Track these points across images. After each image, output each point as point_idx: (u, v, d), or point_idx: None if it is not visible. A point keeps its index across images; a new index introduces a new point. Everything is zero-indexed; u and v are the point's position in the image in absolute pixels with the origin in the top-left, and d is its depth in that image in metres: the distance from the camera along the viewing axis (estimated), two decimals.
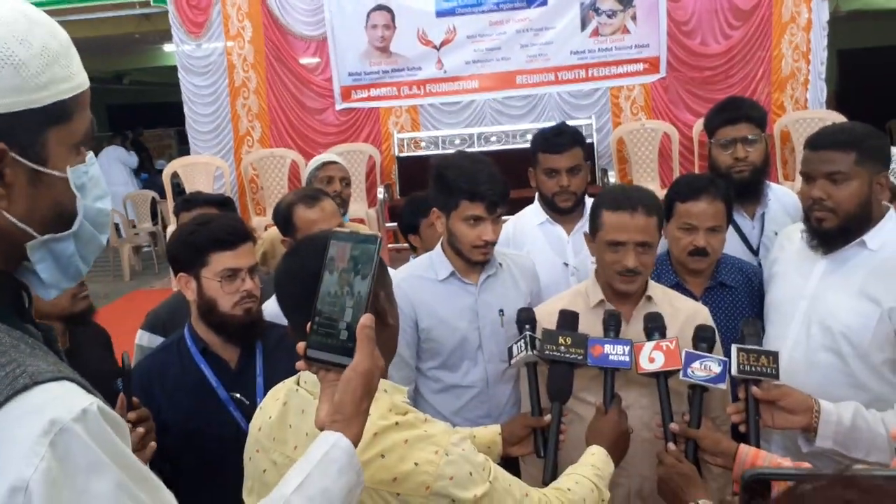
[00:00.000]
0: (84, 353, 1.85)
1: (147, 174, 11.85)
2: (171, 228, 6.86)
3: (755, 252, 2.39)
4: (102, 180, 0.90)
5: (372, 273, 0.97)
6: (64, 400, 0.73)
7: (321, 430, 0.95)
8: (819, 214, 1.83)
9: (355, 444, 0.94)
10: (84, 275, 0.91)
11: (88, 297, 1.89)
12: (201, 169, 7.03)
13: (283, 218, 2.33)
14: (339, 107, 6.94)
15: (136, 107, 15.74)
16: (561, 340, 1.64)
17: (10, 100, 0.77)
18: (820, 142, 1.85)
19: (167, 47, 9.62)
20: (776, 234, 2.36)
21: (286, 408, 1.22)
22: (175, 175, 7.17)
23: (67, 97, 0.83)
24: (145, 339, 2.20)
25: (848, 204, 1.79)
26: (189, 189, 6.94)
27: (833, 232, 1.83)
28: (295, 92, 6.95)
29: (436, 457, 1.11)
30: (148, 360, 1.85)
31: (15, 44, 0.78)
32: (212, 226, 1.76)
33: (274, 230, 2.72)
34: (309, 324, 0.98)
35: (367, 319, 0.95)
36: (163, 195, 8.05)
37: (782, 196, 2.49)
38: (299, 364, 1.00)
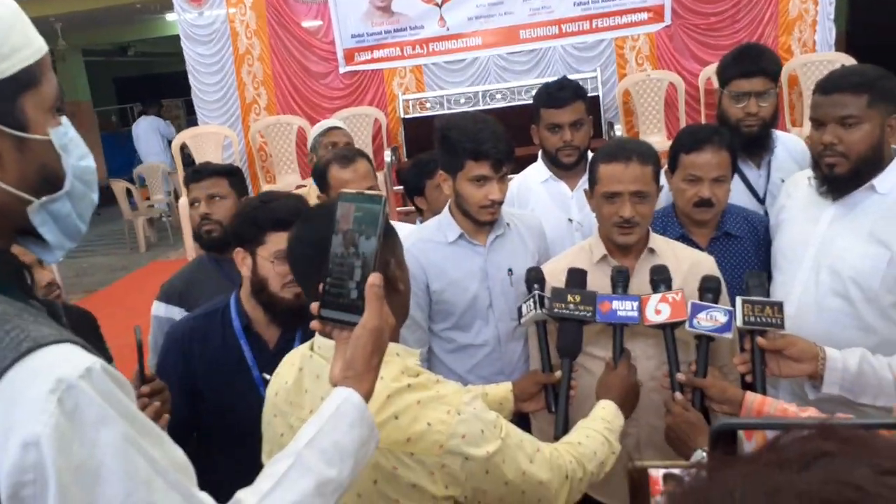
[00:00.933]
0: None
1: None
2: (183, 200, 6.92)
3: (762, 200, 2.38)
4: (81, 141, 0.93)
5: (378, 233, 0.99)
6: (68, 360, 0.77)
7: (334, 386, 0.99)
8: (830, 160, 1.81)
9: (367, 399, 0.98)
10: (82, 233, 0.94)
11: (60, 296, 1.88)
12: (210, 139, 7.03)
13: (320, 175, 2.39)
14: (342, 70, 6.88)
15: (143, 78, 15.66)
16: (570, 298, 1.66)
17: None
18: (831, 85, 1.82)
19: (169, 17, 9.54)
20: (783, 181, 2.35)
21: (301, 373, 1.25)
22: (184, 146, 7.19)
23: (32, 62, 0.85)
24: (162, 310, 2.23)
25: (860, 148, 1.77)
26: (199, 160, 6.95)
27: (845, 177, 1.81)
28: (299, 57, 6.89)
29: (448, 416, 1.14)
30: (191, 323, 1.87)
31: None
32: (273, 205, 1.75)
33: (305, 190, 2.75)
34: (321, 284, 1.01)
35: (374, 278, 0.98)
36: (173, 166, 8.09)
37: (788, 143, 2.47)
38: (314, 324, 1.03)
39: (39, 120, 0.86)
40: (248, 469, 1.23)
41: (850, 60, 5.84)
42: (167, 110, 13.39)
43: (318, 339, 1.25)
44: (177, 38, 7.20)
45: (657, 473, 0.89)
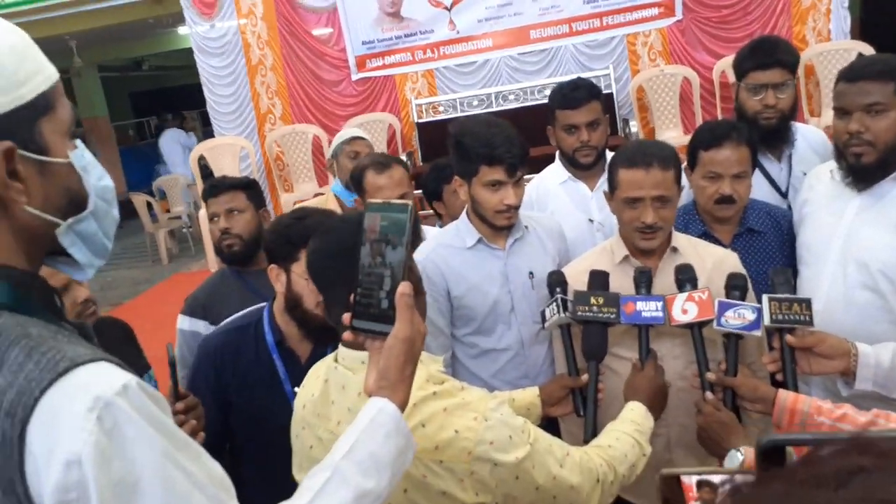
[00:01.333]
0: (108, 351, 1.89)
1: None
2: (202, 212, 6.97)
3: (784, 195, 2.35)
4: (97, 162, 0.94)
5: (405, 241, 0.99)
6: (105, 377, 0.78)
7: (369, 396, 0.99)
8: (857, 149, 1.79)
9: (402, 408, 0.98)
10: (109, 250, 0.96)
11: (96, 312, 1.88)
12: (226, 150, 7.09)
13: (356, 181, 2.41)
14: (355, 77, 6.90)
15: (158, 92, 15.82)
16: (593, 301, 1.65)
17: (1, 100, 0.81)
18: (856, 73, 1.80)
19: (181, 30, 9.63)
20: (804, 174, 2.32)
21: (327, 385, 1.25)
22: (202, 158, 7.25)
23: (46, 87, 0.86)
24: (186, 324, 2.25)
25: (887, 136, 1.75)
26: (216, 171, 7.02)
27: (872, 166, 1.79)
28: (311, 66, 6.93)
29: (475, 423, 1.14)
30: (223, 336, 1.87)
31: None
32: (307, 222, 1.74)
33: (322, 198, 2.86)
34: (352, 295, 1.01)
35: (404, 287, 0.97)
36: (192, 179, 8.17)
37: (808, 135, 2.44)
38: (346, 334, 1.03)
39: (58, 144, 0.87)
40: (281, 483, 1.24)
41: (867, 48, 5.77)
42: (188, 122, 13.54)
43: (341, 351, 1.26)
44: (190, 51, 7.28)
45: (690, 480, 0.88)
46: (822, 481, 0.42)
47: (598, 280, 1.71)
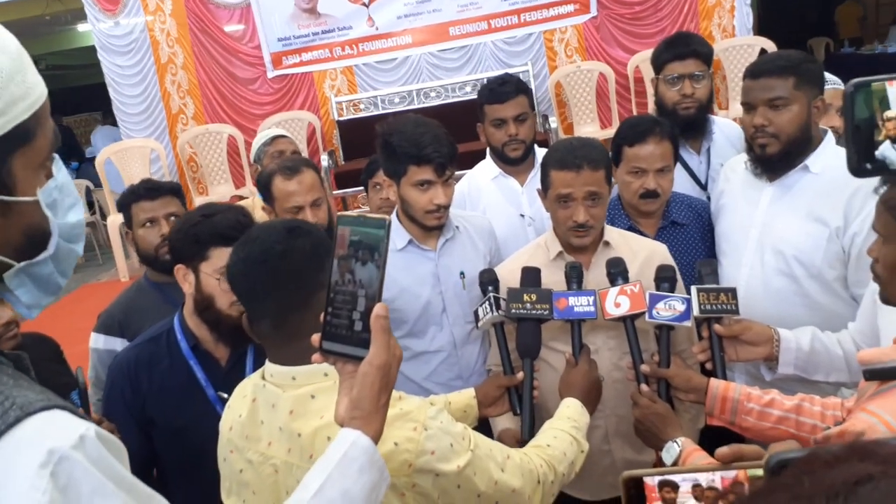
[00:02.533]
0: (36, 370, 1.77)
1: (77, 163, 11.36)
2: (111, 219, 6.64)
3: (704, 187, 2.43)
4: (72, 185, 0.86)
5: (381, 259, 0.92)
6: (60, 428, 0.71)
7: (341, 426, 0.92)
8: (762, 141, 1.87)
9: (376, 440, 0.92)
10: (62, 287, 0.88)
11: (17, 335, 1.78)
12: (135, 153, 6.78)
13: (264, 186, 2.27)
14: (270, 74, 6.74)
15: (59, 92, 14.97)
16: (526, 298, 1.65)
17: None
18: (759, 70, 1.88)
19: (82, 27, 9.15)
20: (722, 166, 2.40)
21: (255, 404, 1.19)
22: (108, 161, 6.90)
23: (28, 115, 0.77)
24: (101, 342, 2.11)
25: (789, 128, 1.84)
26: (125, 176, 6.69)
27: (776, 157, 1.88)
28: (224, 63, 6.72)
29: (415, 433, 1.11)
30: (135, 350, 1.78)
31: None
32: (216, 219, 1.66)
33: (248, 202, 2.68)
34: (323, 314, 0.94)
35: (380, 309, 0.91)
36: (97, 184, 7.74)
37: (725, 128, 2.52)
38: (315, 357, 0.95)
39: (28, 180, 0.78)
40: (212, 498, 1.16)
41: (769, 44, 6.07)
42: (84, 124, 12.84)
43: (269, 367, 1.20)
44: (92, 49, 6.91)
45: (653, 481, 0.87)
46: (832, 493, 0.41)
47: (531, 277, 1.71)
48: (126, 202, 2.25)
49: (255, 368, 1.70)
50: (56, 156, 0.84)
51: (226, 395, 1.68)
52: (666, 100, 2.42)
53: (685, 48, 2.41)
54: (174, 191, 2.28)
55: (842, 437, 1.10)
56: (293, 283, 1.14)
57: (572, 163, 1.75)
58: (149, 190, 2.23)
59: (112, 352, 2.04)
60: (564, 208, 1.77)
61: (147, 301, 2.14)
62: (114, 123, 7.19)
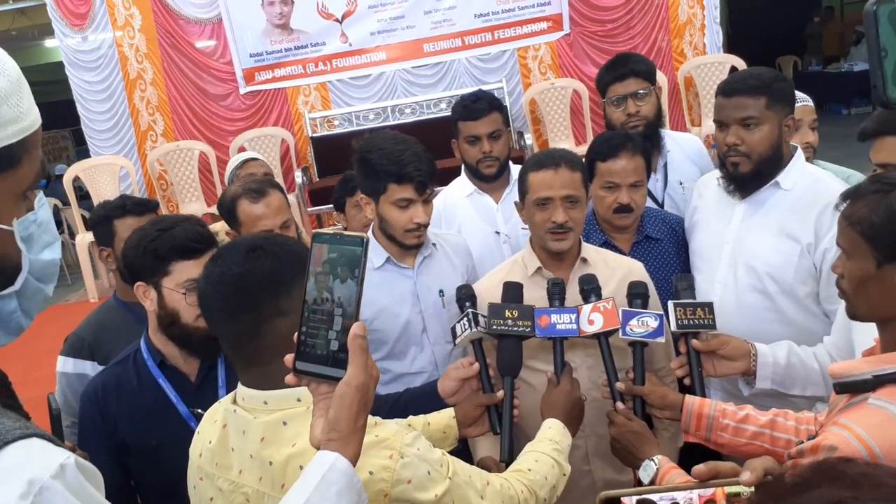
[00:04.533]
0: None
1: (45, 181, 11.16)
2: (80, 238, 6.51)
3: (661, 205, 2.44)
4: (51, 223, 0.83)
5: (359, 277, 0.90)
6: (39, 457, 0.70)
7: (317, 448, 0.90)
8: (734, 159, 1.89)
9: (354, 462, 0.89)
10: (24, 329, 0.85)
11: None
12: (104, 170, 6.67)
13: (227, 211, 2.20)
14: (243, 91, 6.69)
15: None
16: (508, 314, 1.63)
17: None
18: (731, 88, 1.90)
19: (49, 42, 9.03)
20: (681, 183, 2.42)
21: (226, 431, 1.16)
22: (77, 179, 6.78)
23: (15, 141, 0.74)
24: (70, 366, 2.04)
25: (761, 147, 1.86)
26: (94, 194, 6.58)
27: (748, 175, 1.89)
28: (195, 79, 6.66)
29: (391, 461, 1.08)
30: (102, 376, 1.74)
31: None
32: (174, 232, 1.62)
33: (220, 224, 2.57)
34: (296, 334, 0.91)
35: (358, 328, 0.89)
36: (65, 202, 7.60)
37: (682, 143, 2.54)
38: (289, 378, 0.93)
39: (7, 207, 0.76)
40: None
41: (739, 62, 6.19)
42: (52, 141, 12.62)
43: (241, 391, 1.17)
44: (60, 64, 6.81)
45: (631, 501, 0.86)
46: None
47: (513, 292, 1.69)
48: (109, 216, 2.17)
49: (227, 380, 1.68)
50: (41, 192, 0.81)
51: (200, 411, 1.64)
52: (614, 121, 2.47)
53: (623, 68, 2.46)
54: (156, 208, 2.24)
55: (814, 452, 1.09)
56: (244, 310, 1.11)
57: (550, 162, 1.77)
58: (137, 205, 2.17)
59: (82, 375, 1.98)
60: (543, 210, 1.77)
61: (117, 321, 2.09)
62: (83, 141, 7.07)
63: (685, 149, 2.50)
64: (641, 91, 2.42)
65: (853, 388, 1.14)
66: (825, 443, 1.09)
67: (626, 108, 2.42)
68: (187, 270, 1.59)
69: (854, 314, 1.25)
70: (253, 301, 1.10)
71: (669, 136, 2.52)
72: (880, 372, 1.11)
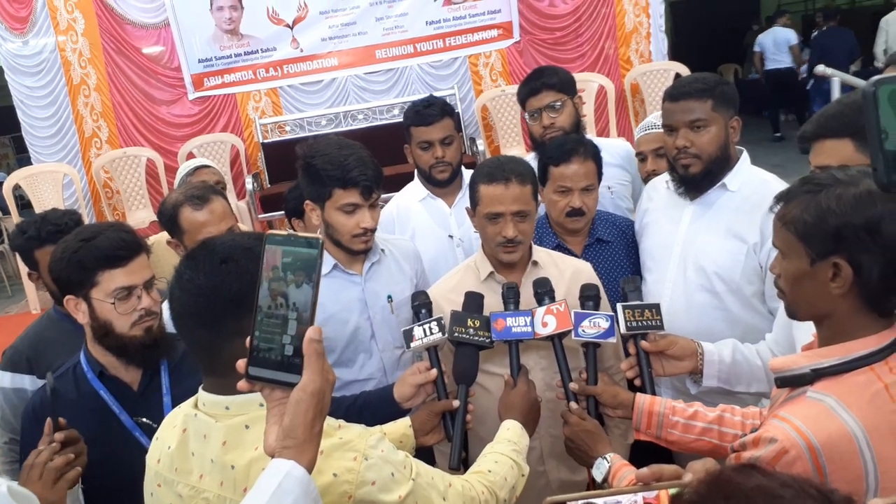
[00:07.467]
0: None
1: None
2: None
3: None
4: None
5: (314, 280, 0.87)
6: None
7: (271, 456, 0.87)
8: (685, 161, 1.93)
9: (310, 470, 0.87)
10: None
11: None
12: (47, 178, 6.46)
13: (169, 218, 2.12)
14: (191, 96, 6.58)
15: None
16: (469, 323, 1.64)
17: None
18: (678, 93, 1.94)
19: None
20: (609, 188, 2.47)
21: (186, 435, 1.14)
22: (17, 187, 6.54)
23: None
24: (7, 381, 1.96)
25: (710, 148, 1.90)
26: (36, 202, 6.36)
27: (699, 176, 1.94)
28: (141, 85, 6.52)
29: (354, 463, 1.07)
30: (40, 392, 1.68)
31: None
32: (97, 241, 1.57)
33: (162, 234, 2.49)
34: (249, 339, 0.89)
35: (314, 332, 0.87)
36: (5, 211, 7.32)
37: (611, 148, 2.58)
38: (241, 384, 0.90)
39: None
40: None
41: (683, 69, 6.35)
42: None
43: (202, 395, 1.14)
44: (0, 69, 6.58)
45: None
46: None
47: (474, 302, 1.69)
48: (27, 247, 2.07)
49: (171, 386, 1.64)
50: None
51: (145, 420, 1.60)
52: (533, 132, 2.53)
53: (536, 83, 2.51)
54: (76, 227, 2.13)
55: (756, 444, 1.12)
56: (206, 325, 1.09)
57: (501, 176, 1.77)
58: (53, 234, 2.02)
59: (20, 390, 1.91)
60: (493, 224, 1.79)
61: (57, 333, 2.01)
62: (24, 148, 6.83)
63: (613, 155, 2.54)
64: (557, 103, 2.47)
65: (793, 382, 1.18)
66: (766, 435, 1.12)
67: (541, 120, 2.48)
68: (115, 279, 1.56)
69: (792, 313, 1.27)
70: (217, 317, 1.08)
71: (597, 143, 2.57)
72: (818, 366, 1.15)
